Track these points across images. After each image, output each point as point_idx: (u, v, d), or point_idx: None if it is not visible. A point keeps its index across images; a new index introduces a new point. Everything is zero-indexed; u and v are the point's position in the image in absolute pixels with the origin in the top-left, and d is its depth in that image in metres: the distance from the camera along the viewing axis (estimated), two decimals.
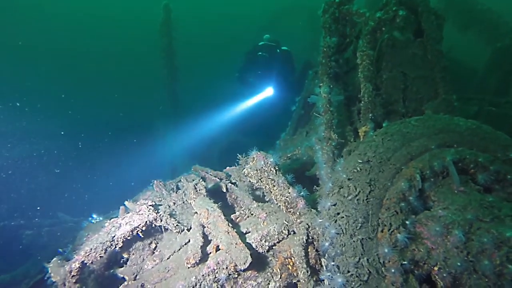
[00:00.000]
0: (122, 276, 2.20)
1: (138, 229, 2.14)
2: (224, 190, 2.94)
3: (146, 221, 2.18)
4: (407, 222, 1.86)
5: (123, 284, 2.18)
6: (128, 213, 2.28)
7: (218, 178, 3.15)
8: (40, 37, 26.63)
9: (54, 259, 1.93)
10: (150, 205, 2.29)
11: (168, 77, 10.94)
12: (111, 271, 2.26)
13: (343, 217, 1.86)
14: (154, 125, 10.87)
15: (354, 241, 1.80)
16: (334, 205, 1.93)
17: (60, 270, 1.88)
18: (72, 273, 1.87)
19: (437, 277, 1.79)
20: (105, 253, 1.99)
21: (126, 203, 2.40)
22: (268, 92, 8.50)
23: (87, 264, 1.94)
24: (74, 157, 9.39)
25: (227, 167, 3.85)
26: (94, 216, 4.34)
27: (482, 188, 2.01)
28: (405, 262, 1.76)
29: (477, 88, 8.45)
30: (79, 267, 1.88)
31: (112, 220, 2.19)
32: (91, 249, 1.95)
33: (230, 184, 2.99)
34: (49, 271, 1.87)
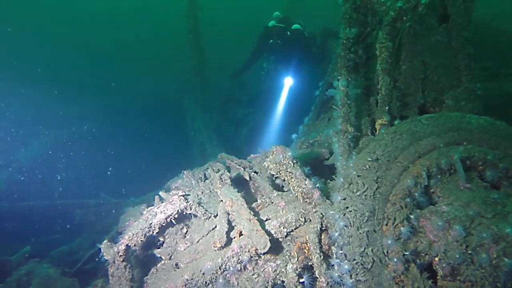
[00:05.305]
0: (159, 256, 2.58)
1: (171, 216, 2.46)
2: (248, 179, 3.19)
3: (178, 210, 2.49)
4: (411, 216, 2.01)
5: (160, 263, 2.56)
6: (162, 202, 2.62)
7: (242, 167, 3.39)
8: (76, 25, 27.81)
9: (105, 241, 2.31)
10: (181, 195, 2.59)
11: (194, 58, 11.20)
12: (150, 252, 2.65)
13: (351, 211, 2.05)
14: (183, 106, 11.26)
15: (360, 233, 1.99)
16: (344, 199, 2.12)
17: (110, 250, 2.26)
18: (120, 253, 2.24)
19: (437, 266, 1.95)
20: (144, 237, 2.35)
21: (160, 193, 2.74)
22: (288, 82, 8.18)
23: (131, 246, 2.31)
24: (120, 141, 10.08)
25: (251, 155, 4.10)
26: (132, 198, 4.86)
27: (489, 184, 2.08)
28: (407, 253, 1.93)
29: None
30: (125, 248, 2.25)
31: (149, 208, 2.53)
32: (133, 234, 2.30)
33: (253, 173, 3.22)
34: (102, 251, 2.26)
